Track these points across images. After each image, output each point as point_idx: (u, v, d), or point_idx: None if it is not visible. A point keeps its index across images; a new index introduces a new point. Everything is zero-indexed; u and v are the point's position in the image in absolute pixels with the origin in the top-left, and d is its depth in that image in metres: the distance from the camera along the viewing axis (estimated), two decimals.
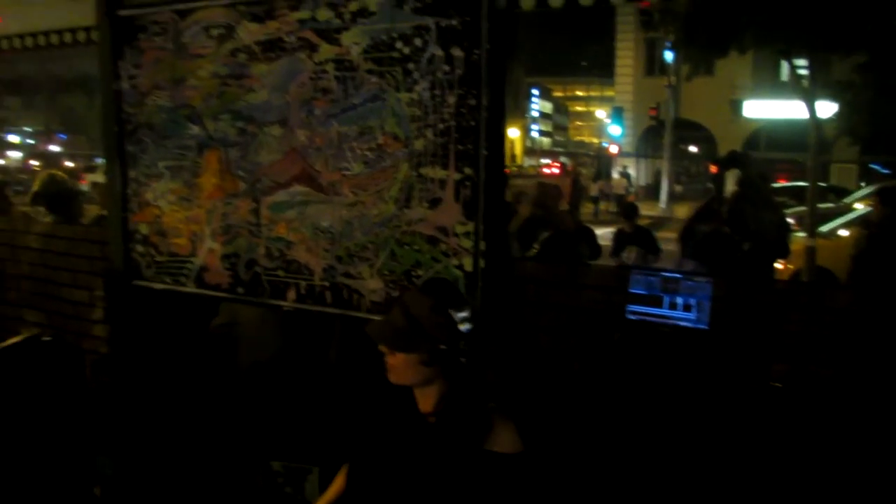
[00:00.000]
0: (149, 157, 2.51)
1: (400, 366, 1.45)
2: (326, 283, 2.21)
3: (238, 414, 2.56)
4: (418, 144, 1.99)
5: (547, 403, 1.91)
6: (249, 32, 2.24)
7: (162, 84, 2.44)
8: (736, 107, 19.48)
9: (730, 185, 5.29)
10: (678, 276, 1.96)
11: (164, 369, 2.55)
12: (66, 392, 1.94)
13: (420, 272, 2.04)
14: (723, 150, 16.97)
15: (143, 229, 2.56)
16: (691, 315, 1.91)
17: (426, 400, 1.46)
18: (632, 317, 1.96)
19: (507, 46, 1.94)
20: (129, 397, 2.49)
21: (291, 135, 2.20)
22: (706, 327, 1.88)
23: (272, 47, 2.20)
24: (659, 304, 1.94)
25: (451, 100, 1.92)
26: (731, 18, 7.55)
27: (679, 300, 1.93)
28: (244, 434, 2.54)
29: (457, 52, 1.90)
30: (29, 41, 3.06)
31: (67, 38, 2.93)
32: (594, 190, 18.47)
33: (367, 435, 1.57)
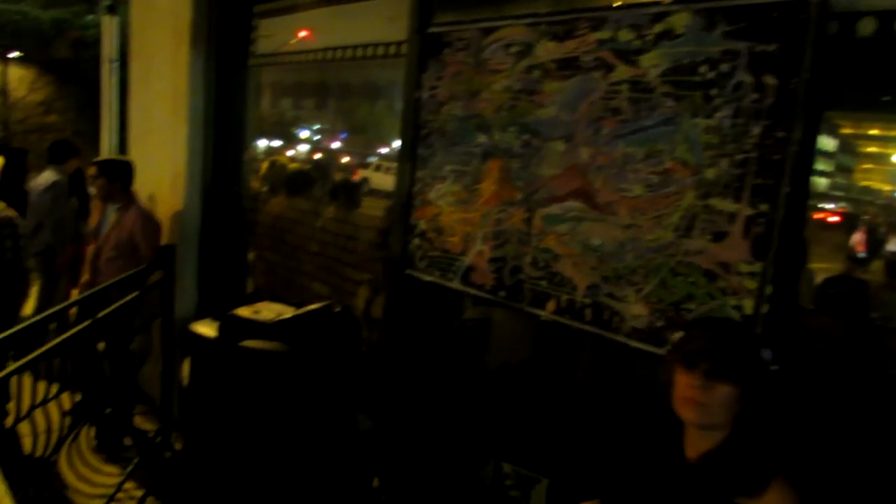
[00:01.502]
0: (437, 160, 2.74)
1: (717, 400, 1.30)
2: (588, 301, 2.22)
3: (480, 408, 2.68)
4: (710, 173, 1.91)
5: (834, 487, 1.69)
6: (547, 51, 2.34)
7: (458, 95, 2.65)
8: None
9: None
10: None
11: (422, 351, 2.76)
12: (348, 354, 2.21)
13: (691, 306, 1.96)
14: None
15: (422, 225, 2.80)
16: None
17: (701, 443, 1.36)
18: None
19: (829, 76, 1.77)
20: (389, 369, 2.74)
21: (574, 151, 2.25)
22: None
23: (567, 66, 2.27)
24: None
25: (756, 130, 1.81)
26: None
27: None
28: (482, 428, 2.65)
29: (769, 80, 1.78)
30: (348, 53, 3.53)
31: (380, 51, 3.32)
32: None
33: (622, 468, 1.53)
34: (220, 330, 2.13)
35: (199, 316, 4.11)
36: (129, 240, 3.92)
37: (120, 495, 3.48)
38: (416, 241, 2.83)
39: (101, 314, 3.02)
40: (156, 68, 4.32)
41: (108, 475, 3.58)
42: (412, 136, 2.84)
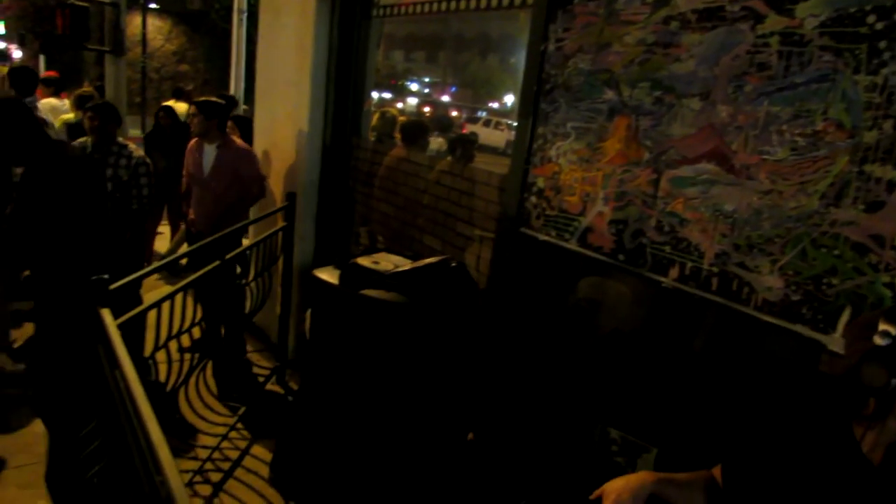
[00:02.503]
0: (559, 116, 2.66)
1: None
2: (715, 269, 2.11)
3: (587, 372, 2.65)
4: (869, 136, 1.73)
5: None
6: (688, 0, 2.18)
7: (586, 48, 2.55)
8: None
9: None
10: None
11: (531, 309, 2.75)
12: (462, 309, 2.24)
13: (834, 281, 1.81)
14: None
15: (540, 183, 2.75)
16: None
17: (883, 436, 1.22)
18: None
19: None
20: (497, 325, 2.75)
21: (711, 109, 2.11)
22: None
23: (710, 16, 2.12)
24: None
25: None
26: None
27: None
28: (589, 392, 2.63)
29: None
30: (472, 3, 3.47)
31: (505, 2, 3.24)
32: None
33: (769, 452, 1.42)
34: (342, 278, 2.21)
35: (317, 263, 4.31)
36: (232, 174, 4.19)
37: (233, 434, 3.76)
38: (533, 199, 2.79)
39: (229, 255, 3.22)
40: (282, 19, 4.45)
41: (223, 415, 3.87)
42: (534, 91, 2.77)
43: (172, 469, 1.48)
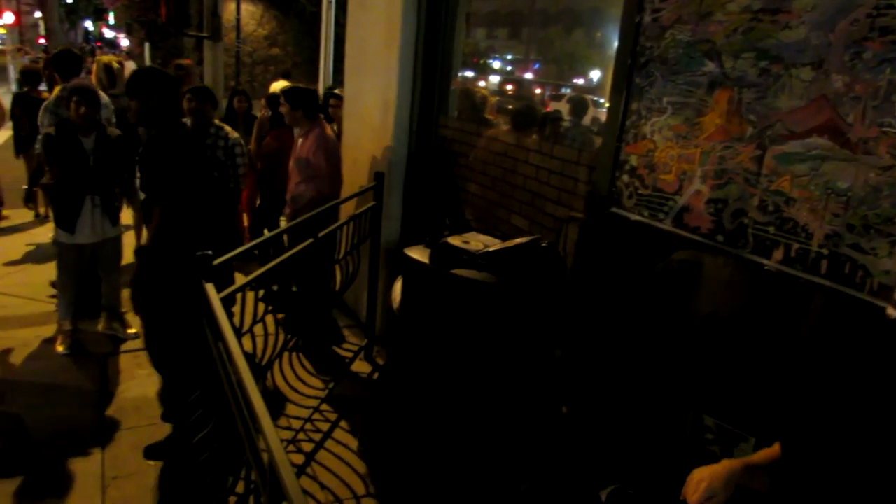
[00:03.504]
0: (655, 91, 2.57)
1: None
2: (825, 252, 1.99)
3: (681, 356, 2.57)
4: None
5: None
6: None
7: (685, 18, 2.44)
8: None
9: None
10: None
11: (622, 291, 2.69)
12: (552, 290, 2.22)
13: None
14: None
15: (633, 161, 2.67)
16: None
17: None
18: None
19: None
20: (587, 305, 2.71)
21: (825, 79, 1.97)
22: None
23: None
24: None
25: None
26: None
27: None
28: (682, 376, 2.55)
29: None
30: None
31: None
32: None
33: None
34: (432, 257, 2.23)
35: (403, 241, 4.38)
36: (306, 164, 4.22)
37: (324, 407, 3.90)
38: (625, 177, 2.71)
39: (321, 234, 3.32)
40: (370, 0, 4.50)
41: (314, 387, 4.02)
42: (628, 65, 2.68)
43: (274, 438, 1.55)
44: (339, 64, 6.55)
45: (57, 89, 4.87)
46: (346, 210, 4.28)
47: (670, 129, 2.50)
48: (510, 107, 4.58)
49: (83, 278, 4.30)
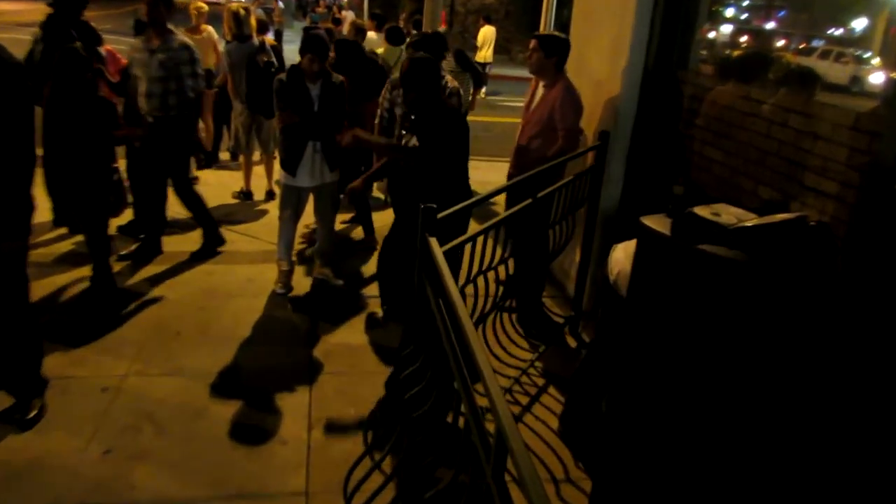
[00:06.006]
0: None
1: None
2: None
3: None
4: None
5: None
6: None
7: None
8: None
9: None
10: None
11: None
12: (823, 278, 1.99)
13: None
14: None
15: None
16: None
17: None
18: None
19: None
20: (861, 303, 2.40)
21: None
22: None
23: None
24: None
25: None
26: None
27: None
28: None
29: None
30: None
31: None
32: None
33: None
34: (674, 228, 2.09)
35: (623, 209, 4.22)
36: (548, 118, 4.13)
37: (531, 370, 3.93)
38: None
39: (539, 194, 3.29)
40: None
41: (522, 350, 4.06)
42: None
43: (499, 396, 1.56)
44: (560, 11, 6.41)
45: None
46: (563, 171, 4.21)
47: None
48: (764, 61, 4.16)
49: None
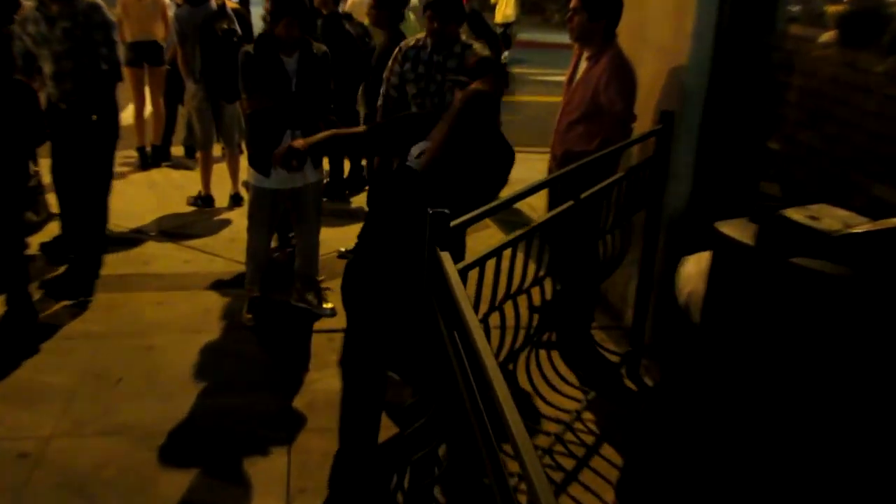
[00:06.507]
0: None
1: None
2: None
3: None
4: None
5: None
6: None
7: None
8: None
9: None
10: None
11: None
12: None
13: None
14: None
15: None
16: None
17: None
18: None
19: None
20: None
21: None
22: None
23: None
24: None
25: None
26: None
27: None
28: None
29: None
30: None
31: None
32: None
33: None
34: (760, 235, 2.09)
35: (694, 210, 4.21)
36: (592, 100, 4.12)
37: (578, 424, 3.91)
38: None
39: (584, 195, 3.30)
40: None
41: (566, 398, 4.04)
42: None
43: (534, 460, 1.55)
44: None
45: None
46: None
47: None
48: (878, 17, 4.15)
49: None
